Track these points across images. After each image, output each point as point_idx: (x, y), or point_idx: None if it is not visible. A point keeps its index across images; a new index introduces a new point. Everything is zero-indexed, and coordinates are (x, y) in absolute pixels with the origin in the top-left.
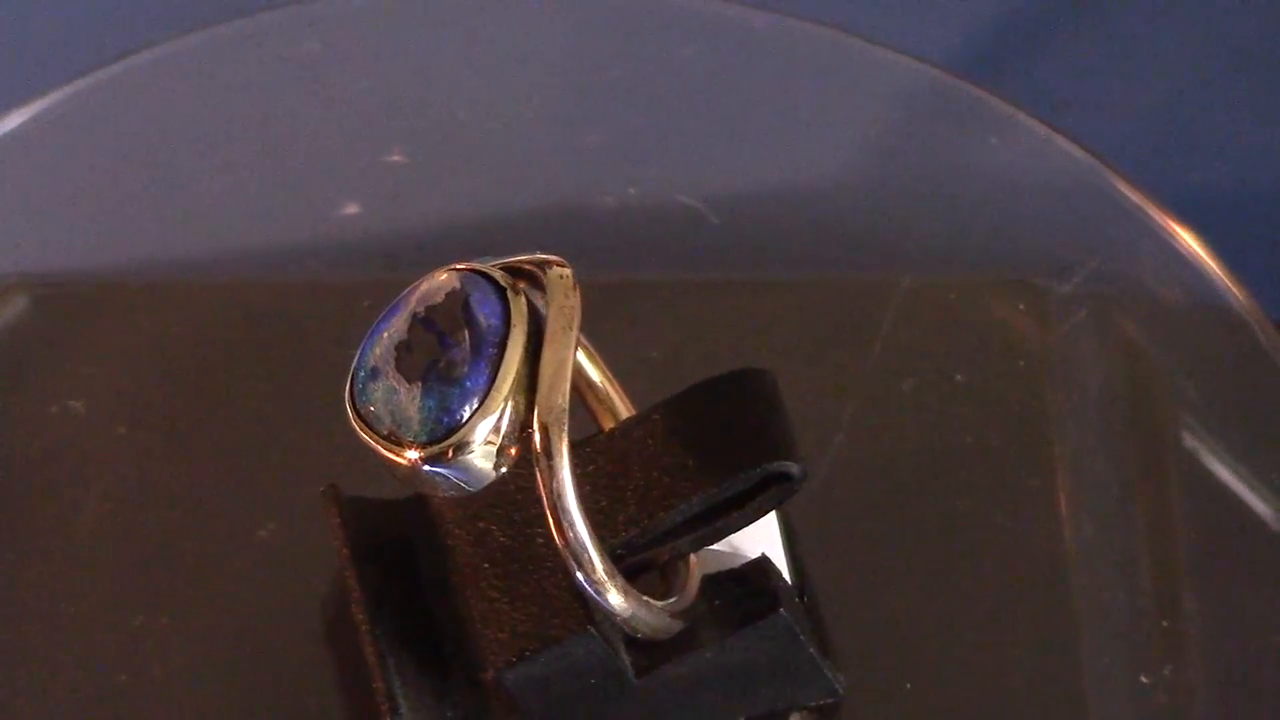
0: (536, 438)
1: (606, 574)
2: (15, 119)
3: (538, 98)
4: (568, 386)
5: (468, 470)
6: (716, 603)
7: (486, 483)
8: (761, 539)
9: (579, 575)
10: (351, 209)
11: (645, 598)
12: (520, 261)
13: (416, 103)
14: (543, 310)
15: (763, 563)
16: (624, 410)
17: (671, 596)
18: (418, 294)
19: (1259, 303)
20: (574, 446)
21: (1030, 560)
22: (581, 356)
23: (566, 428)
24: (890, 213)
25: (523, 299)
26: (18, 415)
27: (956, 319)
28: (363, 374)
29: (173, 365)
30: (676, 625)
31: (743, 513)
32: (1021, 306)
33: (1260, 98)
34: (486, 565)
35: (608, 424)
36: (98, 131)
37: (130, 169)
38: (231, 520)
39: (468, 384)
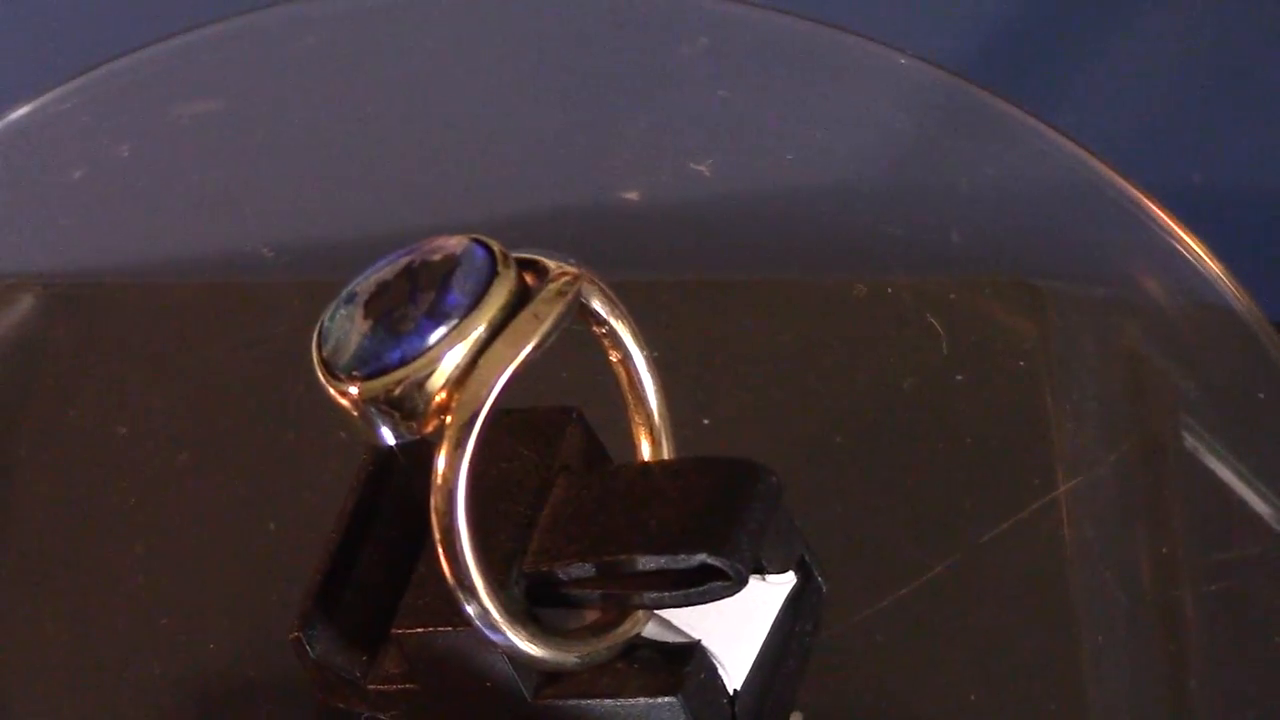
0: (448, 420)
1: (482, 587)
2: (15, 115)
3: (538, 97)
4: (500, 385)
5: (375, 422)
6: (635, 665)
7: (395, 442)
8: (742, 628)
9: (448, 574)
10: (357, 210)
11: (529, 630)
12: (545, 261)
13: (418, 102)
14: None
15: (695, 649)
16: (666, 451)
17: (597, 638)
18: (427, 246)
19: (1259, 303)
20: (577, 472)
21: (1030, 560)
22: (649, 388)
23: (478, 427)
24: (891, 213)
25: (508, 286)
26: (18, 415)
27: (956, 319)
28: (344, 295)
29: (173, 365)
30: (568, 662)
31: (683, 593)
32: (1021, 306)
33: (1260, 98)
34: None
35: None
36: (99, 130)
37: (132, 168)
38: (233, 518)
39: (404, 341)
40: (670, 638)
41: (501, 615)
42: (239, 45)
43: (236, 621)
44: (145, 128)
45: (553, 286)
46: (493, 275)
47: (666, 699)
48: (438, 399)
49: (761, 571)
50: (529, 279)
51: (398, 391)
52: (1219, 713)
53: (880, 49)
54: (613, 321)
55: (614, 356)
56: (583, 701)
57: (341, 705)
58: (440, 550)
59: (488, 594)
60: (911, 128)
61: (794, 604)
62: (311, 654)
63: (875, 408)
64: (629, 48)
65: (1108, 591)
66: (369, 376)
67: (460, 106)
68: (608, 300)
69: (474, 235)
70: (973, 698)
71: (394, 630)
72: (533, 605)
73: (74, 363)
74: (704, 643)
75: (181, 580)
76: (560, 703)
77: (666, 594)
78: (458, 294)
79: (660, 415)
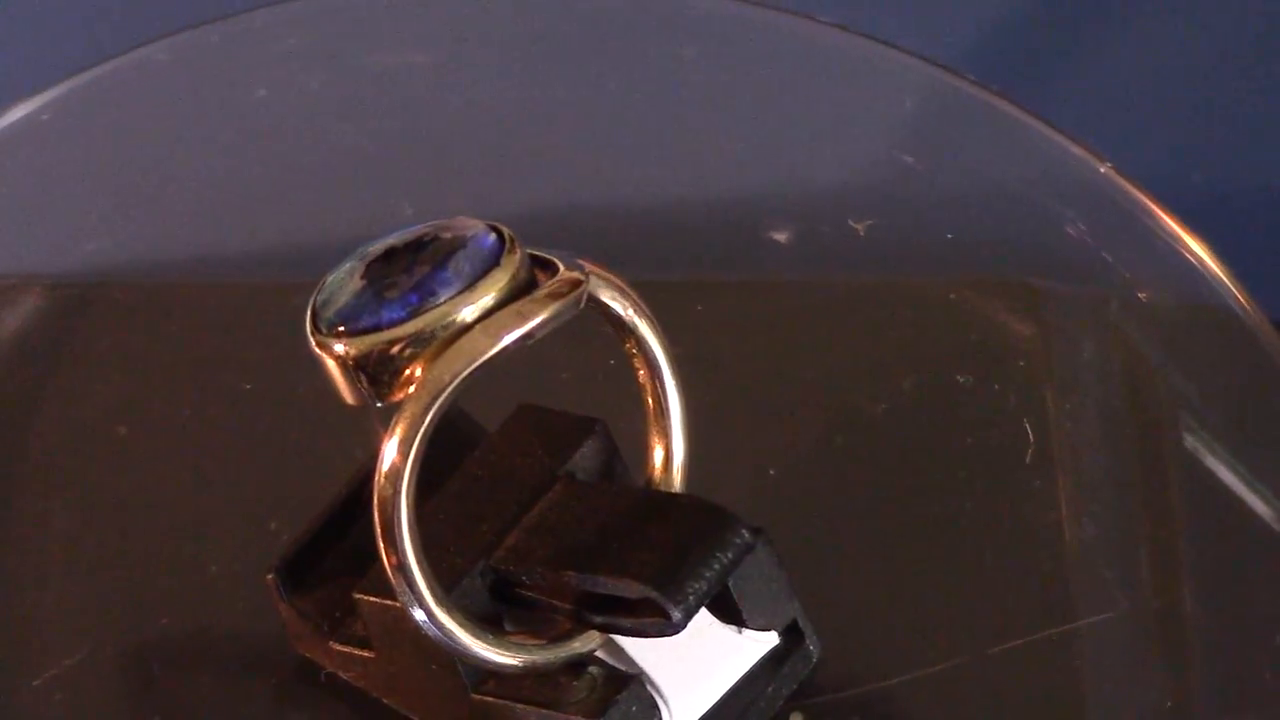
0: (410, 394)
1: (417, 571)
2: (15, 114)
3: (541, 98)
4: (465, 373)
5: (347, 379)
6: (575, 683)
7: (359, 404)
8: (703, 675)
9: (383, 554)
10: (353, 210)
11: (459, 619)
12: (557, 263)
13: (419, 102)
14: None
15: (634, 680)
16: (677, 479)
17: (543, 647)
18: (444, 223)
19: (1259, 303)
20: (578, 482)
21: (1030, 560)
22: (674, 414)
23: (434, 411)
24: (891, 213)
25: (506, 277)
26: (19, 414)
27: (956, 319)
28: (356, 252)
29: (173, 365)
30: (506, 663)
31: (628, 621)
32: (1021, 306)
33: (1260, 98)
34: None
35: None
36: (99, 130)
37: (132, 168)
38: (234, 518)
39: (385, 308)
40: (622, 666)
41: (437, 604)
42: (241, 44)
43: (236, 621)
44: (146, 127)
45: (547, 288)
46: (494, 264)
47: None
48: (404, 373)
49: (740, 625)
50: (541, 277)
51: (366, 355)
52: (1220, 714)
53: (880, 49)
54: (641, 333)
55: (642, 375)
56: (517, 705)
57: (310, 656)
58: (378, 530)
59: (423, 579)
60: (912, 127)
61: (773, 665)
62: (284, 598)
63: (875, 408)
64: (628, 49)
65: (1108, 591)
66: (346, 335)
67: (457, 106)
68: (637, 311)
69: (492, 223)
70: (970, 700)
71: (354, 594)
72: (499, 602)
73: (74, 363)
74: (658, 680)
75: (181, 580)
76: (496, 701)
77: (608, 619)
78: (451, 274)
79: (679, 444)
